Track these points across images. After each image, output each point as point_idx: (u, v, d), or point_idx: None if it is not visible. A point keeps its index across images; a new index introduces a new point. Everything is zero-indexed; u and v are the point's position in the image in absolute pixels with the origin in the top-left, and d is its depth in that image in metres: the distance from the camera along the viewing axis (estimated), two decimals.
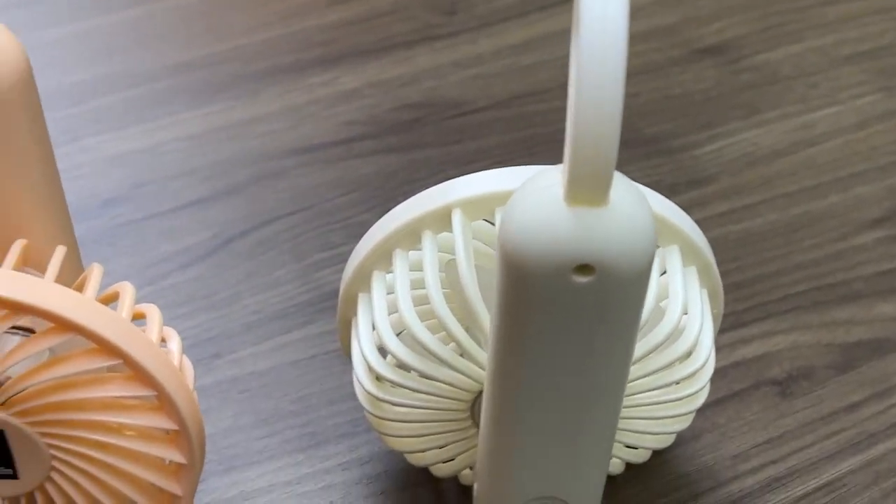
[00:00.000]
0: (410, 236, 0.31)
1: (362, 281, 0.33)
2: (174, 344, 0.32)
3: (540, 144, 0.49)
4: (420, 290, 0.32)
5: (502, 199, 0.31)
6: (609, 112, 0.22)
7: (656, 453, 0.36)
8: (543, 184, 0.24)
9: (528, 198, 0.24)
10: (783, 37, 0.55)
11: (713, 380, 0.34)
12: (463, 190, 0.31)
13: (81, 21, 0.56)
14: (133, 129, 0.50)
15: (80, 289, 0.31)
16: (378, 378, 0.32)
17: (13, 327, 0.31)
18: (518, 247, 0.24)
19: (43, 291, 0.28)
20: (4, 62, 0.29)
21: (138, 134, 0.50)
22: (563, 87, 0.52)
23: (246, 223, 0.46)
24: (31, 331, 0.31)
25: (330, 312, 0.42)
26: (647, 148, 0.49)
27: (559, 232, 0.23)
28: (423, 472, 0.36)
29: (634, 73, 0.51)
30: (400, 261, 0.31)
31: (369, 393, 0.32)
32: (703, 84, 0.53)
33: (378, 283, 0.32)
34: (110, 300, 0.31)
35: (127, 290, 0.31)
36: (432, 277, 0.30)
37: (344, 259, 0.44)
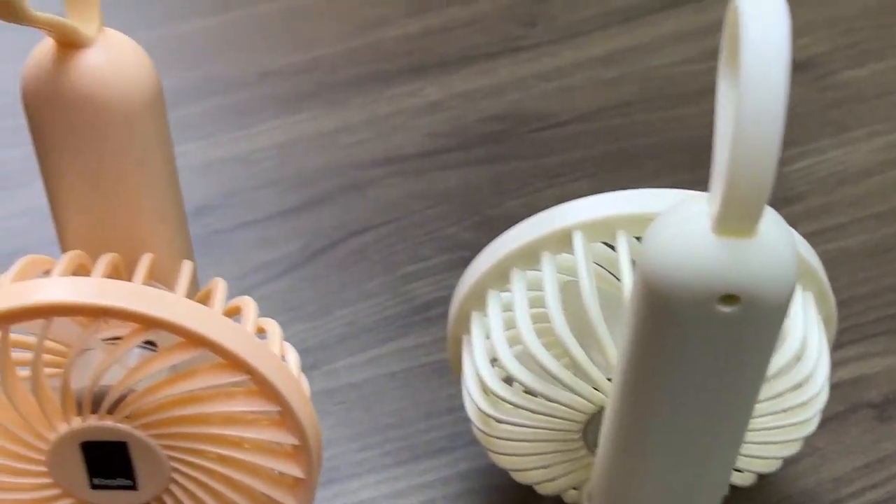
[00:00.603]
0: (528, 256, 0.31)
1: (477, 299, 0.33)
2: (292, 358, 0.32)
3: (627, 159, 0.49)
4: (535, 309, 0.32)
5: (623, 222, 0.31)
6: (768, 144, 0.22)
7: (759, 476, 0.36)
8: (689, 213, 0.24)
9: (674, 227, 0.24)
10: (868, 53, 0.55)
11: None
12: (583, 212, 0.31)
13: (166, 27, 0.56)
14: (222, 137, 0.50)
15: (203, 302, 0.31)
16: (491, 395, 0.32)
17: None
18: (663, 275, 0.24)
19: (175, 307, 0.28)
20: (139, 82, 0.29)
21: (227, 142, 0.50)
22: (647, 101, 0.53)
23: (336, 234, 0.46)
24: (152, 344, 0.32)
25: (421, 325, 0.42)
26: None
27: (707, 261, 0.24)
28: (525, 490, 0.36)
29: None
30: (518, 280, 0.31)
31: (481, 410, 0.32)
32: (790, 101, 0.52)
33: (494, 301, 0.32)
34: (232, 314, 0.31)
35: (250, 306, 0.31)
36: (552, 297, 0.30)
37: (434, 272, 0.44)
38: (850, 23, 0.57)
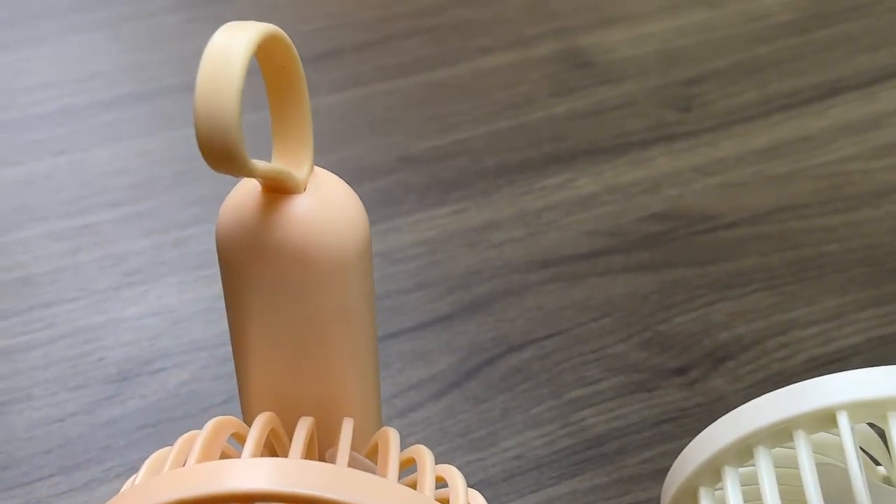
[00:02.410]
0: (742, 452, 0.28)
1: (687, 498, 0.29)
2: None
3: (808, 269, 0.45)
4: None
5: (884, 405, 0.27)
6: None
7: None
8: None
9: None
10: None
11: None
12: (849, 391, 0.27)
13: None
14: None
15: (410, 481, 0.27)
16: None
17: None
18: None
19: (390, 496, 0.24)
20: (353, 230, 0.26)
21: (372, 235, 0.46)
22: (823, 202, 0.48)
23: (495, 347, 0.42)
24: None
25: (596, 462, 0.38)
26: None
27: None
28: None
29: None
30: (733, 480, 0.27)
31: None
32: None
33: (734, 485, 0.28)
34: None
35: (458, 481, 0.28)
36: (813, 485, 0.26)
37: (604, 399, 0.41)
38: None
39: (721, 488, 0.28)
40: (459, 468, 0.38)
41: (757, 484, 0.27)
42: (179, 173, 0.49)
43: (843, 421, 0.27)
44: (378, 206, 0.48)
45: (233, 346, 0.28)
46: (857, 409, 0.27)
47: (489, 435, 0.39)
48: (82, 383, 0.41)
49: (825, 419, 0.27)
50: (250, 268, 0.25)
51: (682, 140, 0.52)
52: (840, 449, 0.27)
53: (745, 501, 0.28)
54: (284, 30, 0.23)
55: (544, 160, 0.50)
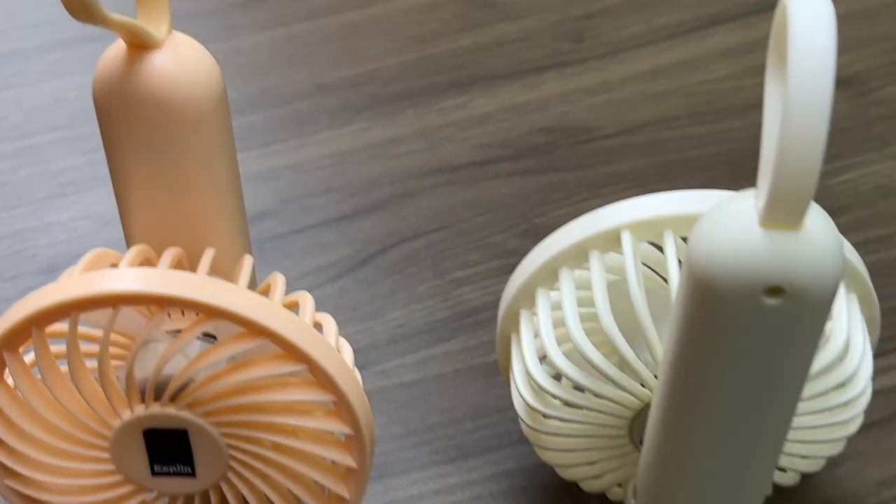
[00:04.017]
0: (577, 256, 0.32)
1: (526, 297, 0.34)
2: (347, 352, 0.33)
3: (674, 171, 0.50)
4: (584, 308, 0.33)
5: (671, 222, 0.32)
6: (815, 137, 0.23)
7: (801, 478, 0.37)
8: (736, 207, 0.25)
9: (722, 221, 0.25)
10: None
11: None
12: (631, 212, 0.32)
13: (224, 41, 0.58)
14: (277, 147, 0.52)
15: (263, 295, 0.32)
16: (539, 391, 0.33)
17: None
18: (710, 267, 0.25)
19: (237, 297, 0.29)
20: (206, 83, 0.30)
21: (282, 152, 0.51)
22: (694, 115, 0.53)
23: (388, 240, 0.47)
24: (213, 337, 0.33)
25: (470, 329, 0.43)
26: None
27: (754, 254, 0.24)
28: (571, 487, 0.37)
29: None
30: (566, 278, 0.32)
31: (529, 405, 0.33)
32: (834, 115, 0.53)
33: (543, 299, 0.33)
34: (290, 308, 0.32)
35: (307, 300, 0.33)
36: (600, 294, 0.31)
37: (482, 278, 0.45)
38: (893, 41, 0.57)
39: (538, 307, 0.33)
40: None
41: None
42: None
43: (626, 238, 0.31)
44: (293, 126, 0.53)
45: (114, 191, 0.32)
46: (639, 228, 0.32)
47: (377, 309, 0.44)
48: (16, 274, 0.46)
49: (615, 239, 0.32)
50: (119, 116, 0.30)
51: (572, 66, 0.56)
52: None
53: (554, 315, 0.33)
54: None
55: (446, 86, 0.55)
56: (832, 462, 0.38)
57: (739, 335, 0.26)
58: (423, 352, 0.42)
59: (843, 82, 0.55)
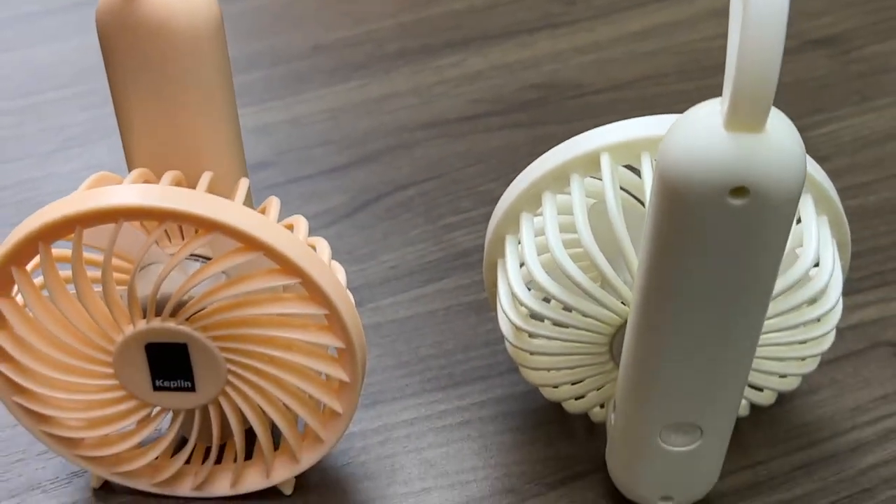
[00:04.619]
0: (558, 180, 0.34)
1: (511, 223, 0.35)
2: (340, 274, 0.35)
3: None
4: (566, 234, 0.34)
5: (648, 144, 0.33)
6: (773, 41, 0.24)
7: (778, 404, 0.38)
8: (703, 112, 0.26)
9: (689, 125, 0.26)
10: (893, 30, 0.57)
11: None
12: (610, 135, 0.33)
13: (229, 3, 0.59)
14: (274, 104, 0.53)
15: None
16: (523, 309, 0.34)
17: (193, 255, 0.35)
18: (678, 170, 0.26)
19: (234, 212, 0.31)
20: (204, 11, 0.32)
21: (279, 108, 0.53)
22: (683, 72, 0.55)
23: (382, 188, 0.49)
24: (208, 258, 0.34)
25: (461, 269, 0.45)
26: None
27: (718, 155, 0.26)
28: (555, 411, 0.38)
29: None
30: (548, 201, 0.34)
31: (513, 324, 0.34)
32: (816, 73, 0.55)
33: (527, 222, 0.34)
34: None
35: (301, 222, 0.34)
36: (580, 214, 0.32)
37: (472, 223, 0.47)
38: (875, 2, 0.59)
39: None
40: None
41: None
42: None
43: (605, 159, 0.33)
44: (290, 84, 0.54)
45: (116, 117, 0.34)
46: (617, 150, 0.33)
47: (371, 252, 0.45)
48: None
49: (594, 162, 0.33)
50: (121, 42, 0.32)
51: (564, 27, 0.58)
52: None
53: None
54: None
55: (440, 46, 0.57)
56: (810, 390, 0.40)
57: (707, 237, 0.27)
58: (416, 290, 0.44)
59: (826, 42, 0.57)
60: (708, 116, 0.26)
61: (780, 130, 0.26)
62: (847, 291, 0.43)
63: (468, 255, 0.45)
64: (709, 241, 0.27)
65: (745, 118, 0.26)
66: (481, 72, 0.55)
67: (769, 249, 0.28)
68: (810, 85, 0.53)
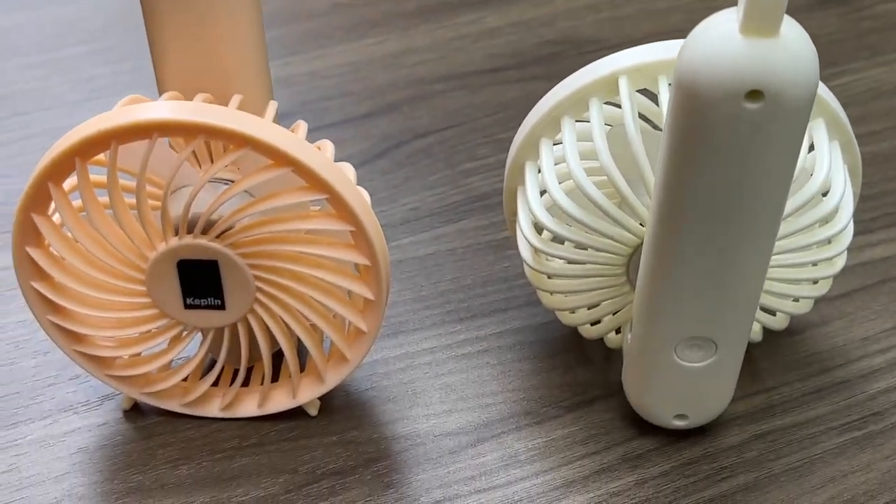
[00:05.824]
0: (577, 104, 0.35)
1: (530, 149, 0.36)
2: (365, 195, 0.36)
3: None
4: (585, 162, 0.35)
5: (665, 67, 0.34)
6: None
7: (790, 334, 0.39)
8: (719, 19, 0.27)
9: (706, 31, 0.27)
10: None
11: (842, 275, 0.37)
12: (628, 59, 0.34)
13: None
14: (295, 58, 0.54)
15: None
16: (542, 232, 0.35)
17: (221, 179, 0.36)
18: (694, 74, 0.27)
19: (265, 129, 0.32)
20: None
21: (300, 62, 0.54)
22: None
23: (402, 136, 0.50)
24: (232, 182, 0.35)
25: (480, 211, 0.46)
26: None
27: (734, 59, 0.27)
28: (571, 340, 0.39)
29: None
30: (568, 125, 0.35)
31: (533, 245, 0.35)
32: (828, 29, 0.56)
33: (546, 147, 0.35)
34: None
35: (328, 145, 0.35)
36: (599, 136, 0.33)
37: (490, 168, 0.48)
38: None
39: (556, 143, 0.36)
40: None
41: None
42: (132, 20, 0.57)
43: (623, 82, 0.34)
44: (310, 39, 0.56)
45: (148, 42, 0.35)
46: (635, 74, 0.34)
47: (391, 195, 0.47)
48: None
49: (612, 85, 0.34)
50: None
51: None
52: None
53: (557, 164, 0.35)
54: None
55: (458, 3, 0.58)
56: (821, 321, 0.40)
57: (722, 142, 0.28)
58: (436, 230, 0.45)
59: (841, 1, 0.57)
60: (724, 23, 0.27)
61: (794, 36, 0.27)
62: (859, 231, 0.44)
63: (487, 198, 0.46)
64: (724, 148, 0.28)
65: (759, 22, 0.27)
66: (499, 28, 0.56)
67: (783, 156, 0.29)
68: (822, 41, 0.54)
